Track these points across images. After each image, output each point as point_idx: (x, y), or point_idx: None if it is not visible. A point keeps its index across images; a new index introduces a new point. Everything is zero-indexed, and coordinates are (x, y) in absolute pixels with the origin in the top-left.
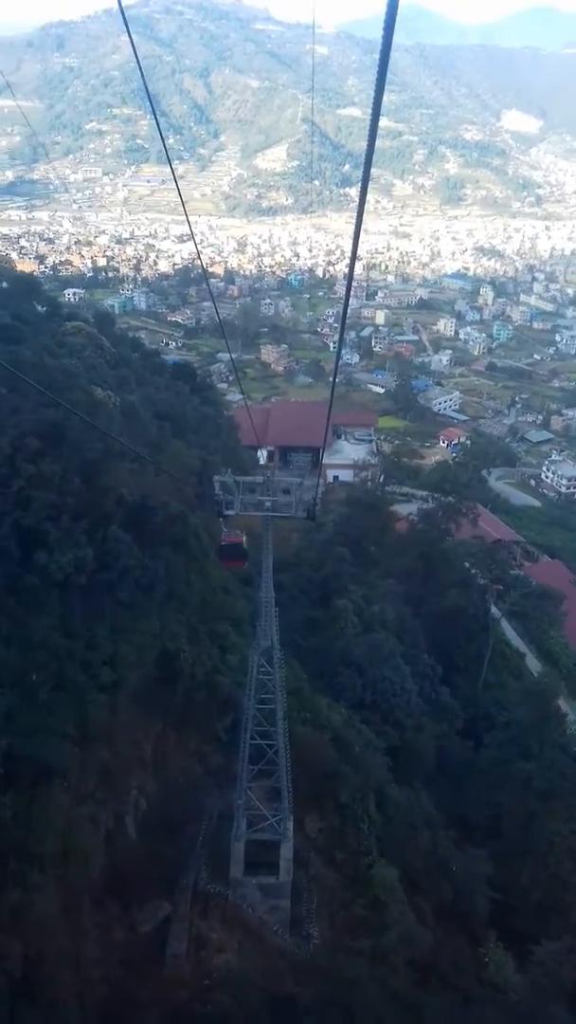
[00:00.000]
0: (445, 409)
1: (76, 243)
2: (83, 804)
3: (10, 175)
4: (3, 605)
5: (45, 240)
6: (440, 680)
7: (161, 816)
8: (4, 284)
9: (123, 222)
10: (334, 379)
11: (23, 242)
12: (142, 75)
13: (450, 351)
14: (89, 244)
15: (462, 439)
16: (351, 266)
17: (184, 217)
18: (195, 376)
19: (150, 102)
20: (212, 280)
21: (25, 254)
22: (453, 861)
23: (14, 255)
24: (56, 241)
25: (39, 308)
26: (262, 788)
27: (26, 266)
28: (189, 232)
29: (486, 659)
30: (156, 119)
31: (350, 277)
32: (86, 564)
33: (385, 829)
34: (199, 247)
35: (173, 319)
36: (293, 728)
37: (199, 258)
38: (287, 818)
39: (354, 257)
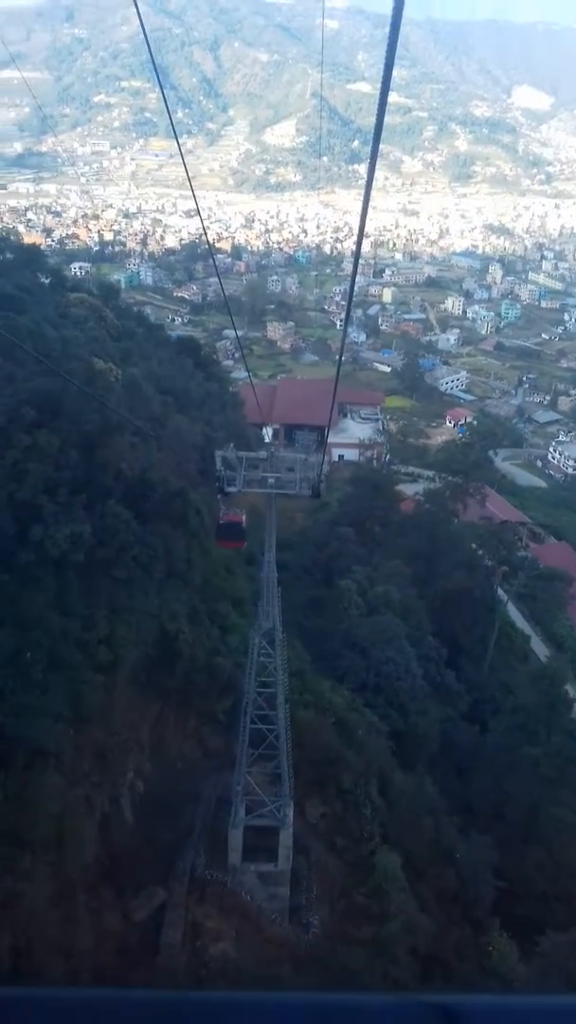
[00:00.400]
0: (452, 389)
1: (83, 217)
2: (78, 786)
3: (18, 147)
4: None
5: (52, 213)
6: (445, 663)
7: (158, 800)
8: (8, 255)
9: (131, 196)
10: (340, 357)
11: (30, 215)
12: (148, 46)
13: (458, 330)
14: (96, 218)
15: (469, 419)
16: (358, 243)
17: (195, 193)
18: (200, 351)
19: (157, 75)
20: (219, 256)
21: (32, 227)
22: (457, 848)
23: (21, 228)
24: (63, 214)
25: (43, 280)
26: (262, 772)
27: (33, 239)
28: (195, 208)
29: (492, 641)
30: (163, 92)
31: (357, 254)
32: (83, 540)
33: (388, 815)
34: (205, 223)
35: (179, 295)
36: (295, 711)
37: (205, 234)
38: (287, 804)
39: (361, 234)
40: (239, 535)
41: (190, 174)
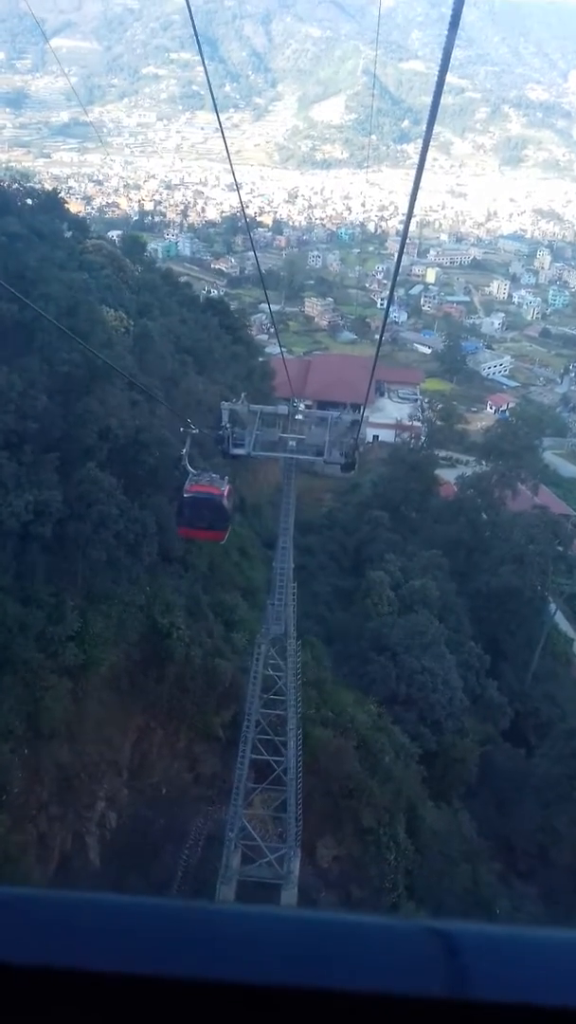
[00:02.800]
0: (494, 374)
1: (124, 186)
2: (29, 823)
3: (65, 116)
4: None
5: (94, 182)
6: (486, 672)
7: (134, 836)
8: (29, 201)
9: (174, 168)
10: (382, 332)
11: (72, 182)
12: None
13: (502, 314)
14: (138, 188)
15: (511, 405)
16: (407, 219)
17: (233, 166)
18: (228, 311)
19: (199, 47)
20: (260, 230)
21: (73, 194)
22: (496, 901)
23: (61, 195)
24: (105, 183)
25: (65, 230)
26: (264, 810)
27: (73, 206)
28: (233, 179)
29: (539, 647)
30: (204, 64)
31: (405, 232)
32: (51, 510)
33: (415, 860)
34: (247, 198)
35: (217, 267)
36: (310, 730)
37: (240, 204)
38: (293, 856)
39: (411, 209)
40: (216, 519)
41: (234, 148)
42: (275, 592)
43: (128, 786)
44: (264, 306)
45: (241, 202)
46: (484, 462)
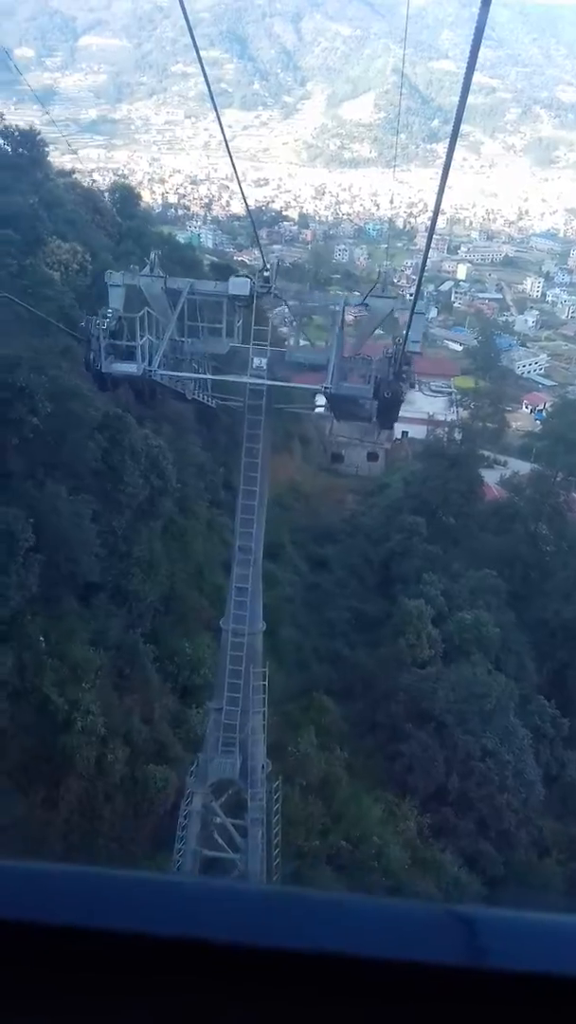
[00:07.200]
0: (529, 372)
1: (149, 180)
2: None
3: (93, 113)
4: None
5: (119, 176)
6: (563, 741)
7: None
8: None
9: (200, 165)
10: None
11: (95, 176)
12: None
13: (536, 312)
14: (162, 181)
15: (548, 405)
16: (436, 208)
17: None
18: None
19: (196, 52)
20: (285, 224)
21: (97, 187)
22: None
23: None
24: (129, 178)
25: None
26: None
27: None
28: (235, 178)
29: None
30: (200, 59)
31: (433, 223)
32: None
33: None
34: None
35: (240, 259)
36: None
37: (237, 180)
38: None
39: (440, 199)
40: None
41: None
42: (223, 678)
43: None
44: (288, 302)
45: (236, 175)
46: (534, 461)
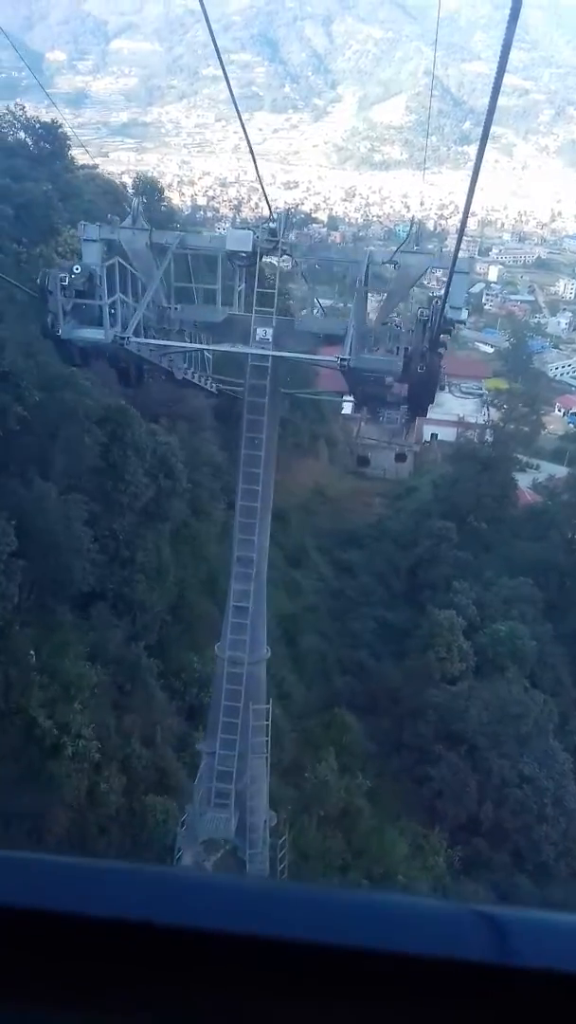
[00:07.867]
0: (563, 375)
1: (178, 182)
2: None
3: (123, 116)
4: None
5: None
6: None
7: None
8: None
9: (230, 167)
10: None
11: (125, 178)
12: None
13: (570, 314)
14: (192, 183)
15: None
16: (467, 206)
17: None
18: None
19: (212, 36)
20: (314, 226)
21: (125, 188)
22: None
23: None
24: (159, 180)
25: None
26: None
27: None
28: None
29: None
30: (220, 57)
31: (463, 223)
32: None
33: None
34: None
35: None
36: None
37: (258, 175)
38: None
39: (471, 198)
40: None
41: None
42: (217, 715)
43: None
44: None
45: (258, 175)
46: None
